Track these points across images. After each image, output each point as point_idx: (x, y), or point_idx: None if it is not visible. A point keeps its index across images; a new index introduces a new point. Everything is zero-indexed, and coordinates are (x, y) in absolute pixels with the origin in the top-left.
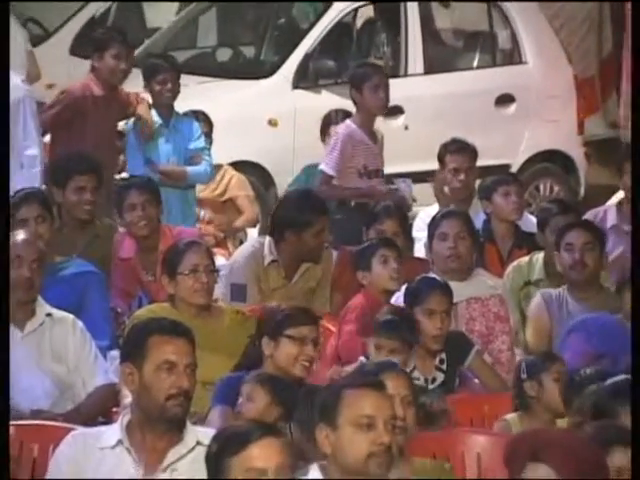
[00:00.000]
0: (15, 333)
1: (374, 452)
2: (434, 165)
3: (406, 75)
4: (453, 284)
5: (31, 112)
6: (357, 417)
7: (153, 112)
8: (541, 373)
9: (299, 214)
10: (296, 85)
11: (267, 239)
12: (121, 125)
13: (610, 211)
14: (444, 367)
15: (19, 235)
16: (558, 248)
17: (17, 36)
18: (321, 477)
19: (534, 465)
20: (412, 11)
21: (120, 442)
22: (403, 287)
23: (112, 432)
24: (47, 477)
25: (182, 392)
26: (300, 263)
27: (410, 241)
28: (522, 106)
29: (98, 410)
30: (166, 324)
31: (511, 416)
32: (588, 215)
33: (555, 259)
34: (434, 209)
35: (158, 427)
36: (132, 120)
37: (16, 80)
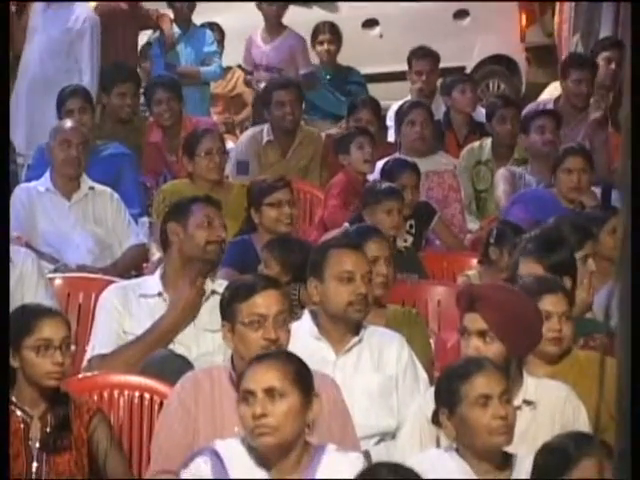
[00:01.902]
0: (63, 203)
1: (352, 301)
2: (404, 67)
3: None
4: (415, 159)
5: (96, 41)
6: (339, 272)
7: (174, 25)
8: (505, 243)
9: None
10: None
11: (266, 125)
12: (147, 36)
13: (549, 105)
14: (413, 231)
15: (67, 123)
16: (525, 130)
17: None
18: (311, 321)
19: (470, 315)
20: None
21: (159, 294)
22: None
23: (152, 283)
24: (97, 317)
25: (220, 240)
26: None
27: (383, 129)
28: (475, 19)
29: (131, 265)
30: (204, 196)
31: (472, 272)
32: (529, 107)
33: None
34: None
35: (192, 272)
36: (157, 33)
37: (88, 9)
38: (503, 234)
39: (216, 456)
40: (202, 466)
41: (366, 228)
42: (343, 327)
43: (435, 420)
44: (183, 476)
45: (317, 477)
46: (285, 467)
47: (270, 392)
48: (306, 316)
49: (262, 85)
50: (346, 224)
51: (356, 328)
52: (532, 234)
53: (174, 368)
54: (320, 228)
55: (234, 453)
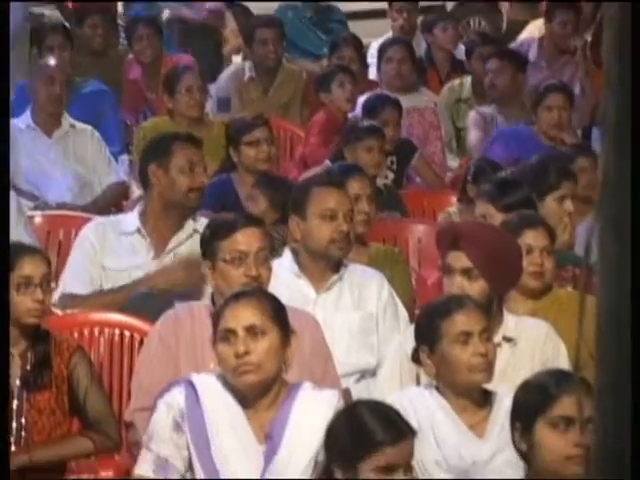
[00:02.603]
0: (44, 140)
1: (335, 238)
2: (385, 5)
3: None
4: (397, 95)
5: None
6: (322, 210)
7: None
8: (482, 180)
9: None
10: None
11: (248, 62)
12: None
13: (532, 45)
14: (394, 167)
15: (50, 60)
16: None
17: None
18: (292, 258)
19: (453, 253)
20: None
21: (138, 230)
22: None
23: (130, 220)
24: (72, 254)
25: (201, 187)
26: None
27: (365, 67)
28: None
29: (111, 203)
30: (185, 134)
31: (452, 209)
32: (513, 46)
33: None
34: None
35: (171, 215)
36: None
37: None
38: (480, 171)
39: (191, 387)
40: (177, 396)
41: (348, 166)
42: (324, 265)
43: (415, 358)
44: (159, 406)
45: (292, 414)
46: (262, 404)
47: (251, 330)
48: (287, 254)
49: None
50: (327, 161)
51: (337, 266)
52: (494, 176)
53: (154, 306)
54: (301, 166)
55: (210, 387)
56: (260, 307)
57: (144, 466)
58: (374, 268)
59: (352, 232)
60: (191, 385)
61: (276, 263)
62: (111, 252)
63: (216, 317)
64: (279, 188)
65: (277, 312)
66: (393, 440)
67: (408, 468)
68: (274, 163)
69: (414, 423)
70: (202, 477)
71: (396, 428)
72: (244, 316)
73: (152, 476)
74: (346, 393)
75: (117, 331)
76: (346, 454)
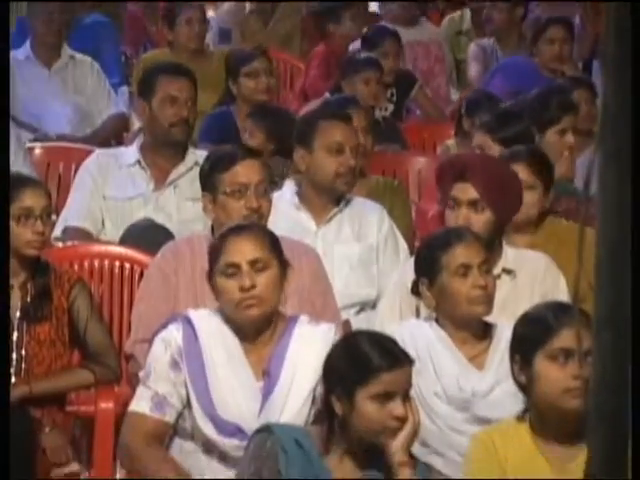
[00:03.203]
0: (43, 71)
1: (341, 172)
2: None
3: None
4: (400, 29)
5: None
6: (329, 143)
7: None
8: (476, 113)
9: None
10: None
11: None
12: None
13: None
14: (394, 99)
15: None
16: None
17: None
18: (293, 191)
19: (460, 184)
20: None
21: (138, 162)
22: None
23: (131, 153)
24: (74, 188)
25: (183, 120)
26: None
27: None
28: None
29: (111, 135)
30: (171, 66)
31: (451, 142)
32: None
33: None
34: None
35: (165, 150)
36: None
37: None
38: (474, 104)
39: (189, 324)
40: (174, 333)
41: (344, 98)
42: (326, 198)
43: (415, 290)
44: (156, 342)
45: (289, 350)
46: (261, 340)
47: (255, 264)
48: (287, 186)
49: None
50: (327, 94)
51: (338, 199)
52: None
53: (154, 238)
54: (301, 98)
55: (208, 323)
56: (261, 241)
57: (141, 403)
58: (373, 200)
59: (358, 167)
60: (188, 321)
61: (276, 195)
62: (112, 183)
63: (214, 251)
64: (273, 118)
65: (276, 245)
66: (389, 366)
67: (406, 396)
68: (273, 94)
69: (413, 355)
70: (199, 414)
71: (393, 355)
72: (248, 250)
73: (149, 413)
74: (346, 325)
75: (117, 263)
76: (343, 383)
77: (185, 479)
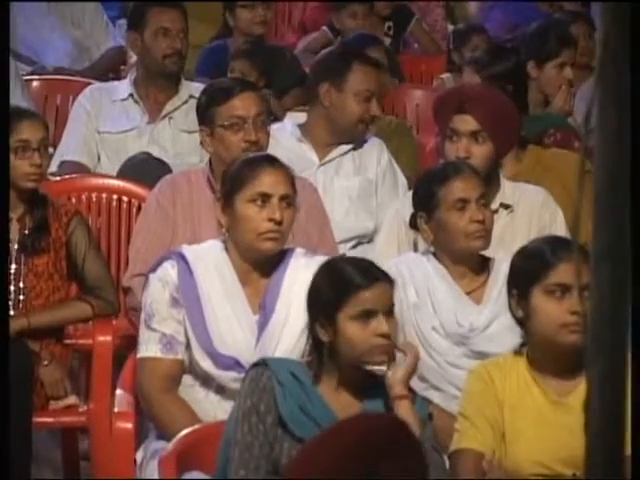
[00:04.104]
0: (42, 5)
1: (365, 119)
2: None
3: None
4: None
5: None
6: (360, 90)
7: None
8: (464, 44)
9: None
10: None
11: None
12: None
13: None
14: (391, 33)
15: None
16: None
17: None
18: (293, 123)
19: (460, 116)
20: None
21: (131, 95)
22: None
23: (123, 87)
24: (69, 123)
25: (176, 52)
26: None
27: None
28: None
29: (109, 67)
30: (162, 1)
31: (446, 75)
32: None
33: None
34: None
35: (158, 82)
36: None
37: None
38: (459, 36)
39: (183, 260)
40: (169, 270)
41: (365, 36)
42: (337, 137)
43: (413, 224)
44: (152, 282)
45: (285, 282)
46: (259, 272)
47: (284, 199)
48: (288, 119)
49: None
50: (324, 27)
51: (348, 140)
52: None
53: (152, 171)
54: (300, 32)
55: (204, 257)
56: (290, 177)
57: (151, 347)
58: (382, 139)
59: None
60: (182, 257)
61: (275, 127)
62: (106, 117)
63: (240, 176)
64: (264, 54)
65: (294, 184)
66: (367, 284)
67: (389, 314)
68: (269, 27)
69: (411, 289)
70: (197, 349)
71: (369, 273)
72: (282, 184)
73: (161, 355)
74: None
75: (115, 196)
76: (325, 308)
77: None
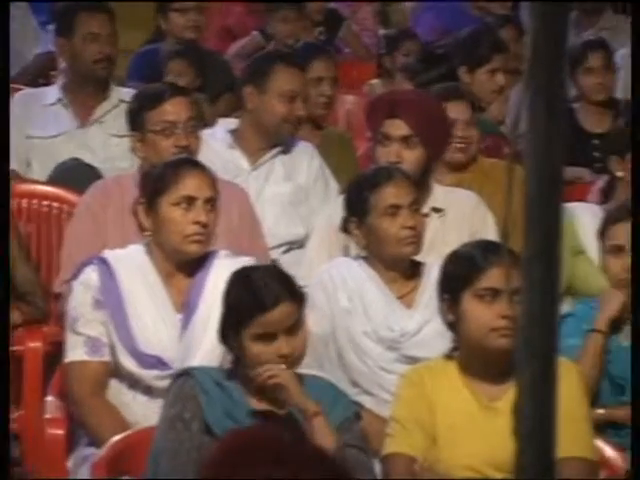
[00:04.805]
0: None
1: (289, 120)
2: None
3: None
4: None
5: None
6: (284, 90)
7: None
8: (395, 50)
9: None
10: None
11: None
12: None
13: None
14: (322, 38)
15: None
16: None
17: None
18: (225, 130)
19: (391, 121)
20: None
21: (59, 100)
22: None
23: (52, 92)
24: None
25: (106, 57)
26: None
27: None
28: None
29: (38, 73)
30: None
31: (376, 81)
32: None
33: None
34: None
35: (88, 87)
36: None
37: None
38: (391, 41)
39: (104, 264)
40: (91, 274)
41: (314, 46)
42: (265, 140)
43: (344, 228)
44: (75, 288)
45: (208, 282)
46: (183, 272)
47: (209, 201)
48: (219, 125)
49: None
50: (255, 32)
51: (276, 143)
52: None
53: (82, 177)
54: (223, 36)
55: (126, 260)
56: (213, 179)
57: (77, 351)
58: (326, 150)
59: (305, 115)
60: (104, 261)
61: (207, 133)
62: (35, 122)
63: (163, 179)
64: (200, 57)
65: (217, 187)
66: (271, 306)
67: (291, 332)
68: (201, 32)
69: (343, 294)
70: (121, 350)
71: (275, 294)
72: (206, 186)
73: (87, 358)
74: (273, 263)
75: (45, 202)
76: (231, 320)
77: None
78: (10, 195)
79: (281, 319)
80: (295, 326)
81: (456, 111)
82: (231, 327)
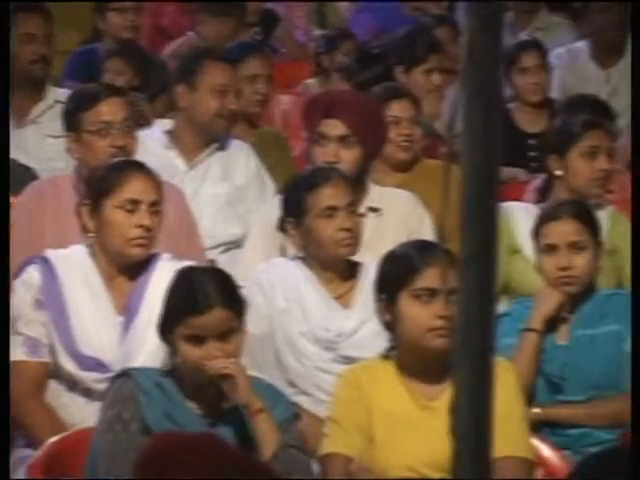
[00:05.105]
0: None
1: (221, 114)
2: None
3: None
4: None
5: None
6: (214, 85)
7: None
8: (334, 49)
9: None
10: None
11: None
12: None
13: None
14: (258, 38)
15: None
16: None
17: None
18: (161, 130)
19: (328, 121)
20: None
21: None
22: None
23: None
24: None
25: (42, 57)
26: None
27: None
28: None
29: None
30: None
31: (311, 81)
32: None
33: None
34: None
35: (24, 88)
36: None
37: None
38: (332, 41)
39: (46, 263)
40: (33, 273)
41: (249, 44)
42: (200, 138)
43: (281, 227)
44: (16, 287)
45: (150, 285)
46: (125, 275)
47: (153, 205)
48: (156, 125)
49: None
50: (190, 32)
51: (210, 141)
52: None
53: (18, 178)
54: (157, 36)
55: (69, 260)
56: (157, 184)
57: (17, 351)
58: (261, 149)
59: (239, 111)
60: (46, 261)
61: (143, 134)
62: None
63: (107, 181)
64: (140, 56)
65: (162, 190)
66: (202, 310)
67: (224, 337)
68: (139, 32)
69: (280, 295)
70: (61, 351)
71: (209, 298)
72: (151, 190)
73: (26, 359)
74: (211, 263)
75: None
76: (166, 319)
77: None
78: (10, 195)
79: (212, 324)
80: (228, 332)
81: (400, 110)
82: (166, 324)
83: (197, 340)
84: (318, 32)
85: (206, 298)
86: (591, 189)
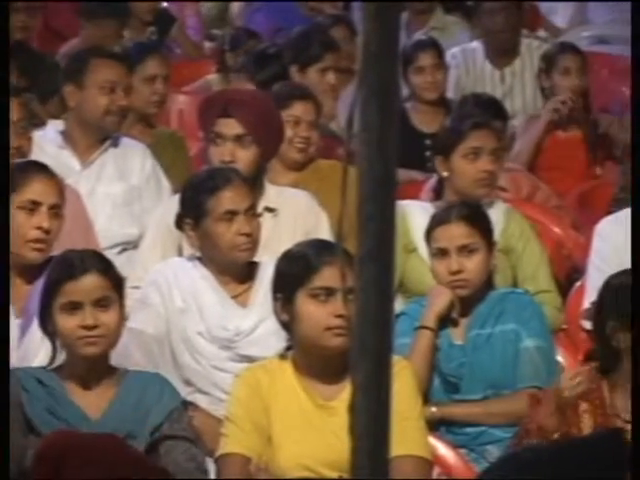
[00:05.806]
0: None
1: (111, 110)
2: None
3: None
4: None
5: None
6: (102, 82)
7: None
8: (239, 48)
9: None
10: None
11: None
12: None
13: None
14: (154, 38)
15: None
16: None
17: None
18: (55, 130)
19: (224, 120)
20: None
21: None
22: None
23: None
24: None
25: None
26: None
27: None
28: None
29: None
30: None
31: (212, 77)
32: None
33: None
34: None
35: None
36: None
37: None
38: (237, 40)
39: None
40: None
41: (145, 45)
42: (92, 136)
43: (179, 226)
44: None
45: None
46: (25, 278)
47: (53, 208)
48: (50, 125)
49: None
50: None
51: (104, 139)
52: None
53: None
54: (50, 37)
55: None
56: (60, 187)
57: None
58: (157, 149)
59: (130, 109)
60: None
61: (38, 135)
62: None
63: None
64: (28, 57)
65: (64, 194)
66: (76, 275)
67: (98, 305)
68: (30, 33)
69: (177, 294)
70: None
71: (81, 266)
72: (53, 193)
73: None
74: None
75: None
76: (45, 300)
77: None
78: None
79: (87, 288)
80: (104, 302)
81: (302, 111)
82: (45, 301)
83: (73, 307)
84: (216, 31)
85: (81, 262)
86: (475, 190)
